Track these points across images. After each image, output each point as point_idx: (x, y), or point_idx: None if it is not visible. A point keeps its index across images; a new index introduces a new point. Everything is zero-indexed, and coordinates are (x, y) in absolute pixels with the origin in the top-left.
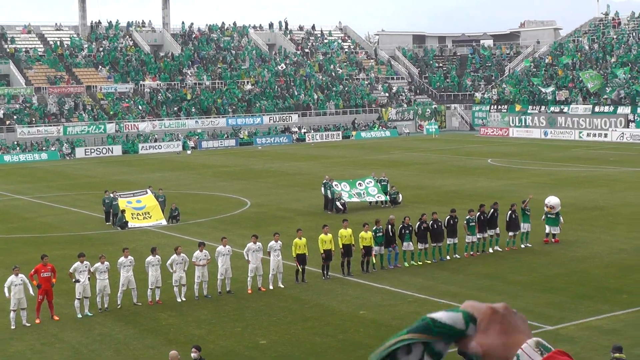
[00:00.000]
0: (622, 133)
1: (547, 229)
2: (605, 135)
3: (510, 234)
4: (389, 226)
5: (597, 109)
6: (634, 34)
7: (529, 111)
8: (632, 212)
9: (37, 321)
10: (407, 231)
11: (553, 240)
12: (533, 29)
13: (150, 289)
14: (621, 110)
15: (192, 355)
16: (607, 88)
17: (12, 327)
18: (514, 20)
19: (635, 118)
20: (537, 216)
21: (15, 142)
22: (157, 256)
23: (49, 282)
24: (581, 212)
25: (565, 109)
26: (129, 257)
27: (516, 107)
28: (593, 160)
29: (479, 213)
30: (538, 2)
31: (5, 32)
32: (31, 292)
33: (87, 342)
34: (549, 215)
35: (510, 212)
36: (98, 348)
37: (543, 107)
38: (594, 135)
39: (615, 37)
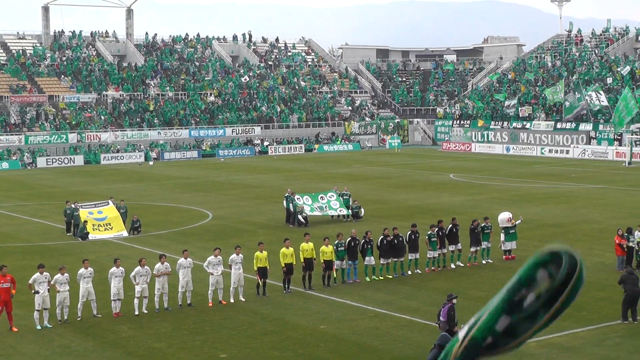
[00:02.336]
0: (584, 150)
1: (507, 245)
2: (567, 151)
3: (472, 249)
4: (352, 240)
5: (559, 125)
6: (595, 51)
7: (491, 127)
8: (593, 229)
9: None
10: (369, 246)
11: (510, 256)
12: (496, 45)
13: (113, 300)
14: (583, 127)
15: None
16: (566, 103)
17: None
18: (477, 36)
19: (597, 135)
20: (497, 232)
21: None
22: (120, 268)
23: (7, 293)
24: (542, 229)
25: (528, 125)
26: (89, 268)
27: (479, 122)
28: (554, 176)
29: (437, 228)
30: (501, 19)
31: None
32: None
33: (46, 354)
34: (510, 231)
35: (472, 227)
36: None
37: (505, 123)
38: (556, 151)
39: (577, 54)
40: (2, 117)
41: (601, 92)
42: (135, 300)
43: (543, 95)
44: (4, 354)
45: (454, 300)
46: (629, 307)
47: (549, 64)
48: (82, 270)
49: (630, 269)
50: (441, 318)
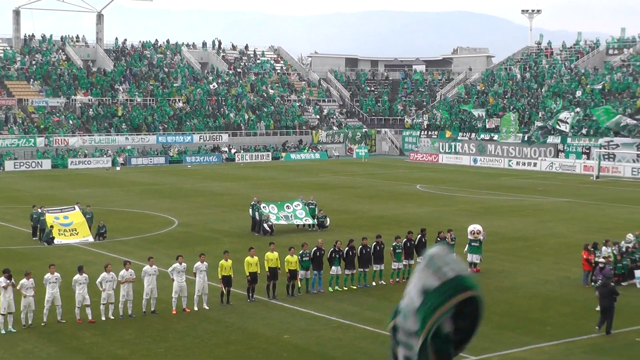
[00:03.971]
0: (552, 163)
1: (470, 257)
2: (535, 164)
3: None
4: (317, 250)
5: (527, 137)
6: (565, 63)
7: (459, 138)
8: (558, 243)
9: None
10: (337, 255)
11: (475, 269)
12: (465, 56)
13: (78, 307)
14: (551, 139)
15: None
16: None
17: None
18: (447, 46)
19: (565, 148)
20: (462, 244)
21: None
22: (84, 275)
23: None
24: (507, 242)
25: (496, 137)
26: (55, 273)
27: (446, 133)
28: (521, 189)
29: (405, 240)
30: (471, 30)
31: None
32: None
33: (10, 358)
34: (472, 244)
35: (438, 239)
36: None
37: (473, 134)
38: (524, 164)
39: (547, 66)
40: None
41: (571, 113)
42: (102, 307)
43: (512, 107)
44: None
45: None
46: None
47: (518, 76)
48: (48, 275)
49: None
50: None
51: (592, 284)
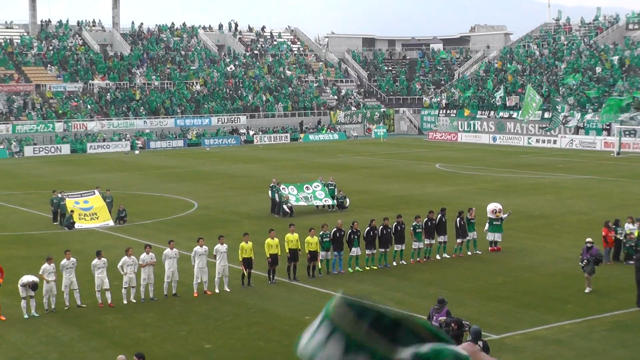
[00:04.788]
0: (572, 140)
1: (491, 236)
2: (555, 141)
3: (459, 240)
4: (337, 231)
5: (546, 115)
6: (585, 39)
7: (477, 116)
8: (579, 221)
9: None
10: (356, 236)
11: (496, 248)
12: (483, 34)
13: (98, 291)
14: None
15: None
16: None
17: None
18: (464, 24)
19: (585, 125)
20: (482, 223)
21: None
22: (102, 259)
23: None
24: (528, 220)
25: (515, 115)
26: (71, 258)
27: (465, 112)
28: (541, 167)
29: (426, 219)
30: (488, 7)
31: None
32: None
33: (33, 343)
34: (494, 223)
35: (458, 218)
36: (43, 350)
37: (492, 113)
38: (543, 141)
39: (565, 43)
40: None
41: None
42: (123, 290)
43: (531, 84)
44: None
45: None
46: None
47: (537, 53)
48: (64, 261)
49: None
50: (436, 323)
51: (580, 263)
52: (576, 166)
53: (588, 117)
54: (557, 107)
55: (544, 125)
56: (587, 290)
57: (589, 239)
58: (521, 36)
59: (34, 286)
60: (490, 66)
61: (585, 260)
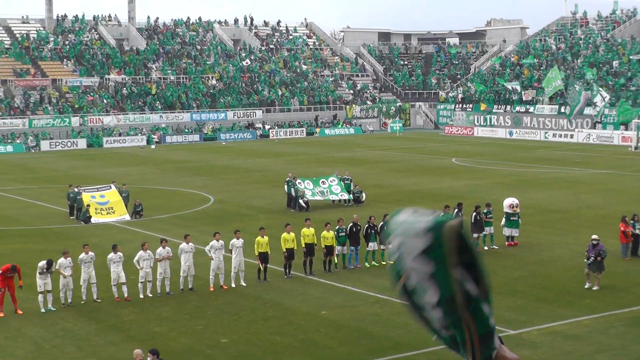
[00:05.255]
0: (589, 134)
1: (508, 231)
2: (571, 136)
3: (475, 235)
4: (353, 225)
5: (563, 109)
6: (602, 33)
7: (494, 110)
8: (596, 215)
9: (1, 314)
10: (373, 231)
11: (513, 242)
12: (499, 28)
13: (114, 285)
14: (588, 111)
15: (148, 359)
16: (565, 98)
17: None
18: (480, 18)
19: (602, 119)
20: (499, 218)
21: None
22: (118, 253)
23: (11, 280)
24: (544, 215)
25: (531, 109)
26: (90, 253)
27: (481, 106)
28: (558, 161)
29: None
30: (505, 1)
31: None
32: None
33: (50, 337)
34: (511, 218)
35: (475, 213)
36: (60, 343)
37: (508, 107)
38: (560, 135)
39: (582, 37)
40: (7, 100)
41: (602, 89)
42: (139, 284)
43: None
44: (10, 336)
45: None
46: None
47: (554, 47)
48: (82, 255)
49: None
50: None
51: (586, 260)
52: (593, 161)
53: (605, 111)
54: (576, 86)
55: (563, 109)
56: (586, 286)
57: (594, 236)
58: (537, 30)
59: (49, 263)
60: (507, 60)
61: (591, 258)
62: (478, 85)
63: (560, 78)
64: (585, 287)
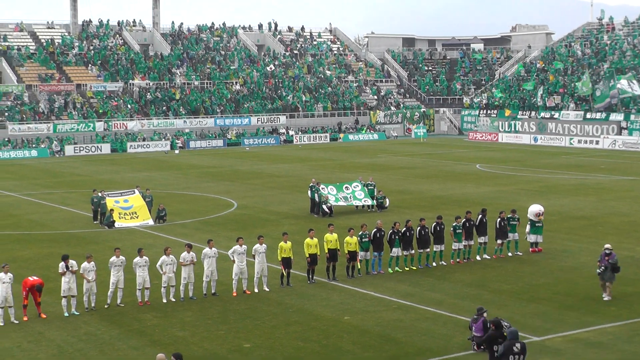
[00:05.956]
0: (614, 140)
1: (532, 237)
2: (597, 142)
3: (499, 241)
4: (377, 231)
5: (588, 115)
6: (628, 39)
7: (518, 116)
8: (622, 222)
9: (25, 318)
10: (397, 237)
11: (537, 249)
12: (524, 34)
13: (139, 289)
14: (614, 117)
15: None
16: (597, 91)
17: (1, 324)
18: (505, 24)
19: (628, 125)
20: (524, 224)
21: (6, 139)
22: (144, 257)
23: (36, 282)
24: (569, 221)
25: (556, 115)
26: (121, 256)
27: (506, 112)
28: (583, 167)
29: (464, 220)
30: (530, 6)
31: None
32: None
33: (73, 341)
34: (536, 225)
35: (499, 219)
36: (83, 347)
37: (533, 113)
38: (585, 142)
39: (608, 42)
40: (32, 105)
41: (634, 80)
42: (162, 289)
43: (573, 84)
44: (33, 340)
45: (485, 314)
46: None
47: (579, 53)
48: (113, 258)
49: None
50: (475, 333)
51: (597, 270)
52: (619, 167)
53: (632, 117)
54: (612, 81)
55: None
56: (605, 298)
57: (607, 245)
58: (563, 36)
59: (64, 258)
60: (532, 66)
61: (602, 267)
62: (497, 93)
63: (591, 83)
64: (605, 299)
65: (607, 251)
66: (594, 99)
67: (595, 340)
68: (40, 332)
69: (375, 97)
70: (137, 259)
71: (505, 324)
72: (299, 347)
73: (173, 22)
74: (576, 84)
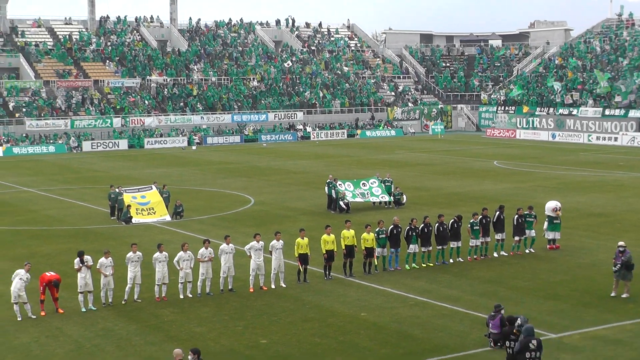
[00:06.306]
0: (633, 137)
1: (550, 234)
2: (616, 139)
3: (516, 238)
4: (394, 227)
5: (607, 112)
6: None
7: (536, 113)
8: None
9: (42, 313)
10: (414, 233)
11: (554, 246)
12: (543, 30)
13: (157, 285)
14: (632, 113)
15: (189, 358)
16: (620, 86)
17: (19, 319)
18: (524, 20)
19: None
20: (542, 221)
21: (24, 135)
22: (164, 253)
23: (53, 278)
24: (587, 218)
25: (575, 112)
26: (137, 252)
27: (524, 108)
28: (601, 164)
29: (481, 217)
30: (548, 2)
31: (16, 26)
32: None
33: (90, 336)
34: (554, 221)
35: (516, 216)
36: (100, 343)
37: (551, 109)
38: (604, 138)
39: (628, 38)
40: (49, 101)
41: None
42: (180, 285)
43: (592, 80)
44: (50, 335)
45: (502, 311)
46: None
47: (598, 49)
48: (130, 254)
49: None
50: (492, 330)
51: (613, 268)
52: (638, 164)
53: None
54: (627, 79)
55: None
56: (612, 294)
57: (621, 243)
58: (582, 32)
59: (79, 254)
60: (550, 63)
61: (618, 265)
62: (518, 89)
63: (606, 79)
64: (612, 295)
65: (621, 249)
66: (620, 94)
67: (614, 337)
68: (58, 327)
69: (393, 93)
70: (157, 254)
71: (522, 318)
72: (315, 343)
73: (190, 18)
74: (597, 76)
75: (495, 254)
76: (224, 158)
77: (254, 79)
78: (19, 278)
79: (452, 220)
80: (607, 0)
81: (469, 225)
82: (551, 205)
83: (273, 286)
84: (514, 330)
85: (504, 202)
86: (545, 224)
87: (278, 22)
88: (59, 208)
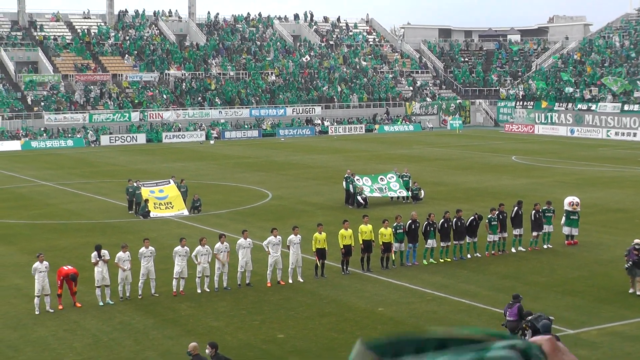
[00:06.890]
0: None
1: (568, 230)
2: (635, 134)
3: (534, 233)
4: (412, 222)
5: (626, 107)
6: None
7: (555, 108)
8: None
9: (60, 307)
10: (432, 228)
11: (572, 241)
12: (562, 25)
13: (175, 278)
14: None
15: (206, 351)
16: (638, 82)
17: (37, 313)
18: (542, 15)
19: None
20: (559, 217)
21: (42, 129)
22: (185, 247)
23: (71, 272)
24: (605, 214)
25: (593, 107)
26: (150, 247)
27: (542, 103)
28: (620, 160)
29: (497, 212)
30: None
31: (35, 20)
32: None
33: (108, 330)
34: (571, 217)
35: (534, 211)
36: (118, 336)
37: (570, 105)
38: (623, 134)
39: None
40: (67, 95)
41: None
42: (197, 279)
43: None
44: (68, 328)
45: (521, 301)
46: None
47: (617, 44)
48: (142, 249)
49: None
50: (510, 317)
51: (626, 265)
52: None
53: None
54: None
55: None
56: (631, 291)
57: (637, 240)
58: (601, 27)
59: (97, 248)
60: (569, 57)
61: (630, 262)
62: (538, 83)
63: (616, 84)
64: (630, 291)
65: (636, 246)
66: (639, 90)
67: (632, 333)
68: (76, 321)
69: (411, 88)
70: (178, 248)
71: (542, 317)
72: (332, 338)
73: (209, 13)
74: (604, 81)
75: (513, 250)
76: (241, 152)
77: (272, 73)
78: (39, 272)
79: (472, 218)
80: None
81: (487, 221)
82: (568, 199)
83: (290, 281)
84: (524, 325)
85: (522, 197)
86: (563, 219)
87: (296, 16)
88: (77, 202)
